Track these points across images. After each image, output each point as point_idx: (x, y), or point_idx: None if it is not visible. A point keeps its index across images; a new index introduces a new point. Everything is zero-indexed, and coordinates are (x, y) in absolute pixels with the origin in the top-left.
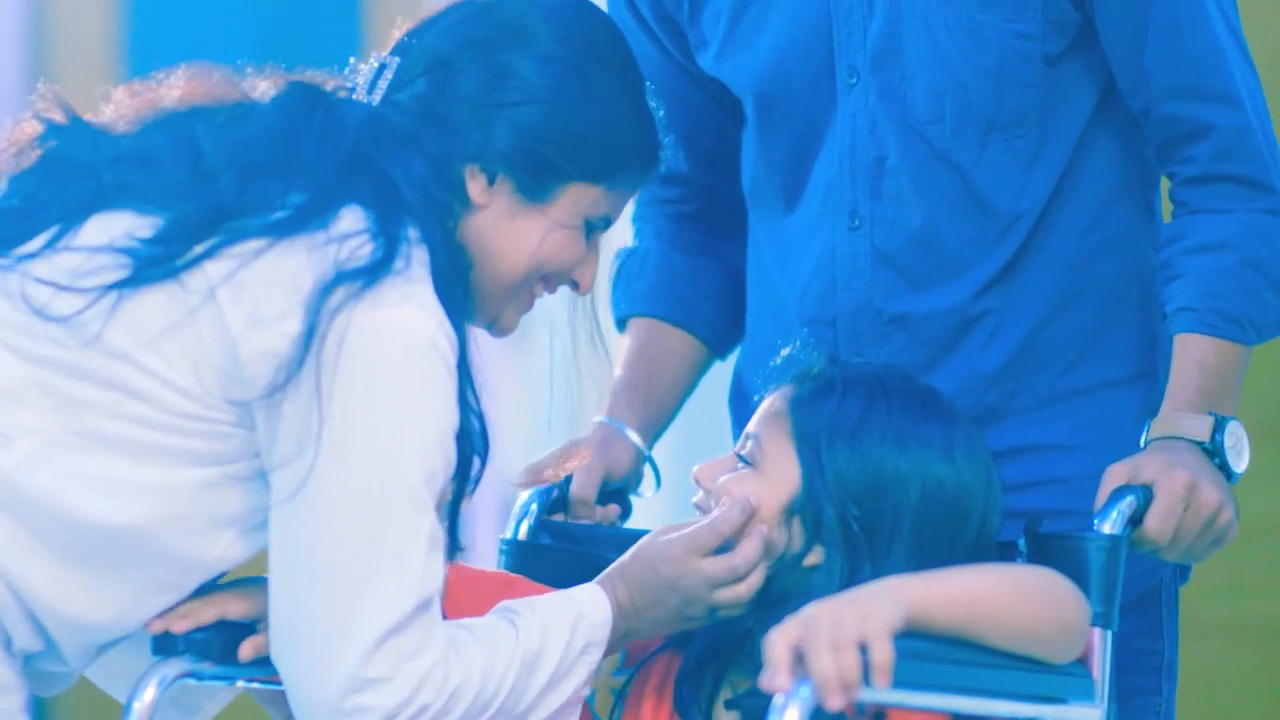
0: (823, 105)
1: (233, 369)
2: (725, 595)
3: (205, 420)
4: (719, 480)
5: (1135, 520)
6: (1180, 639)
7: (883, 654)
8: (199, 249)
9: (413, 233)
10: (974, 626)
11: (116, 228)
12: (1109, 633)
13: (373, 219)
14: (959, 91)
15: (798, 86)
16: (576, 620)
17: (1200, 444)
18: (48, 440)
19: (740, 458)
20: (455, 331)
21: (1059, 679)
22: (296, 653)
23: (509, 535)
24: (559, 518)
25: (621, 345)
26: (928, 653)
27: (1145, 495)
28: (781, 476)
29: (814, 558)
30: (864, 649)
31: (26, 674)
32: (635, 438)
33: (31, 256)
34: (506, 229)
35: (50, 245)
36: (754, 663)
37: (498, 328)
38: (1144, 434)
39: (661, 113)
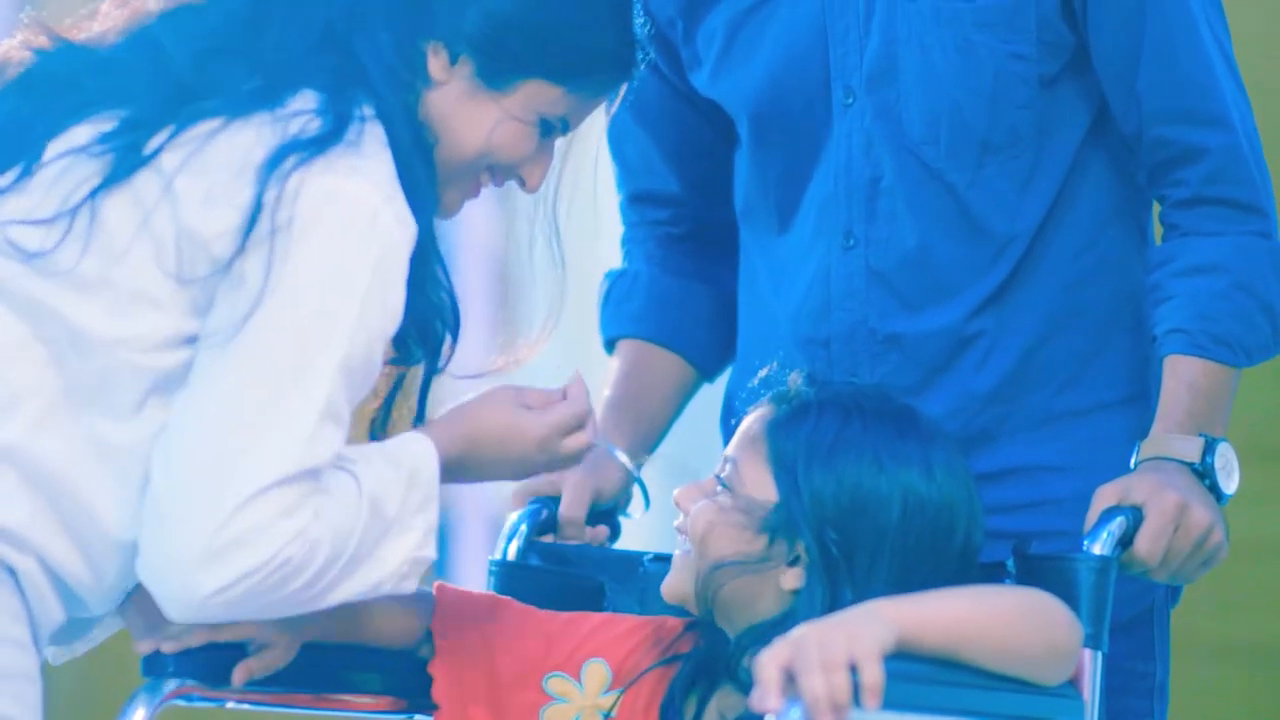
0: (818, 125)
1: (197, 253)
2: (561, 446)
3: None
4: (693, 508)
5: (1125, 541)
6: (1171, 659)
7: (873, 675)
8: (162, 135)
9: (367, 110)
10: (963, 648)
11: (79, 139)
12: (1099, 653)
13: (324, 99)
14: (954, 112)
15: (793, 106)
16: (412, 474)
17: (1190, 465)
18: (51, 400)
19: (719, 480)
20: (423, 207)
21: (1049, 700)
22: (175, 496)
23: (498, 556)
24: (548, 538)
25: (610, 366)
26: (917, 674)
27: (1135, 516)
28: (758, 501)
29: (792, 581)
30: (854, 670)
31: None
32: (624, 458)
33: (4, 191)
34: (460, 110)
35: (24, 176)
36: (741, 683)
37: (440, 210)
38: (1134, 455)
39: (648, 29)
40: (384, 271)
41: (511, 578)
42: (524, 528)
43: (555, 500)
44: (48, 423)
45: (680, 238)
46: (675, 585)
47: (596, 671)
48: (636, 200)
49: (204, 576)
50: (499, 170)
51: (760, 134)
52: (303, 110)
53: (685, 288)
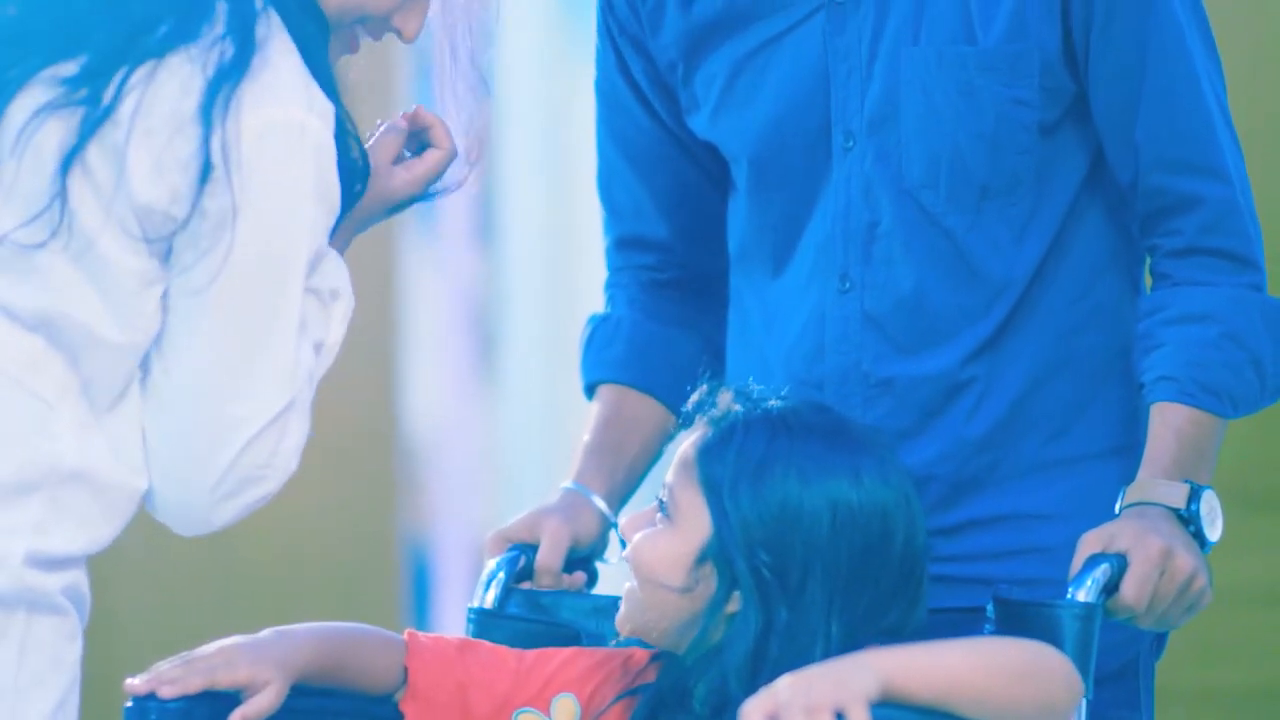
0: (817, 168)
1: (158, 219)
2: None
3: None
4: (634, 539)
5: (1110, 588)
6: (1154, 709)
7: None
8: (116, 78)
9: (258, 3)
10: (952, 701)
11: (39, 98)
12: (1084, 701)
13: (227, 9)
14: (955, 156)
15: (793, 149)
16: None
17: (1175, 511)
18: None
19: (660, 508)
20: (327, 77)
21: None
22: (177, 450)
23: (476, 604)
24: (525, 585)
25: (589, 411)
26: None
27: (1120, 563)
28: (693, 527)
29: (733, 605)
30: (840, 717)
31: None
32: (602, 504)
33: None
34: None
35: None
36: (695, 715)
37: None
38: (1119, 500)
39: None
40: (322, 175)
41: (490, 626)
42: (502, 575)
43: (533, 547)
44: (86, 432)
45: (665, 283)
46: (625, 617)
47: (565, 706)
48: (623, 245)
49: (218, 514)
50: (372, 24)
51: (759, 177)
52: (214, 38)
53: (667, 334)
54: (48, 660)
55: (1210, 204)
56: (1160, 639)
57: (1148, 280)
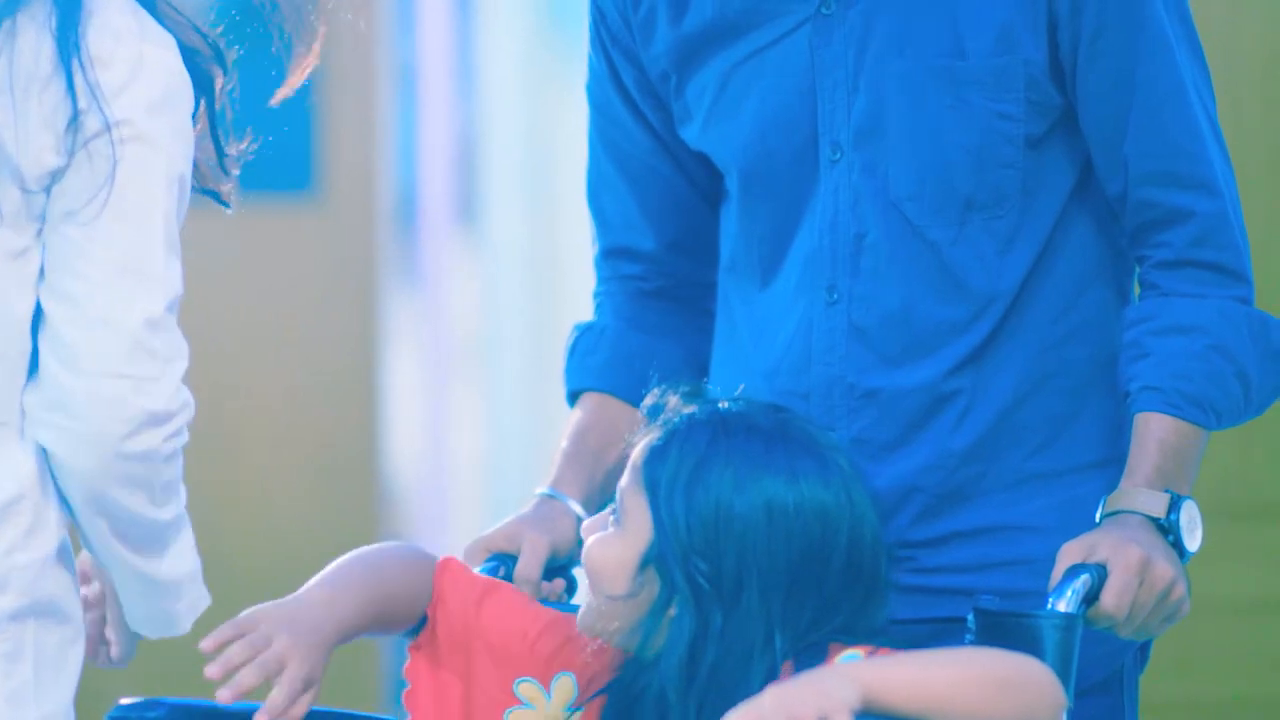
0: (805, 179)
1: (42, 176)
2: None
3: None
4: (587, 542)
5: (1090, 598)
6: None
7: None
8: None
9: None
10: (933, 712)
11: None
12: (1064, 713)
13: None
14: (939, 169)
15: (781, 160)
16: None
17: (1155, 520)
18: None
19: (613, 510)
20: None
21: None
22: (77, 387)
23: None
24: None
25: (570, 419)
26: None
27: (1100, 573)
28: (638, 531)
29: (674, 610)
30: None
31: None
32: (580, 511)
33: None
34: None
35: None
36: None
37: None
38: (1099, 509)
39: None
40: (175, 97)
41: None
42: None
43: (512, 557)
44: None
45: (651, 293)
46: (581, 620)
47: (565, 685)
48: (611, 255)
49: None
50: None
51: (748, 187)
52: None
53: (651, 344)
54: (53, 668)
55: (1200, 217)
56: (1144, 651)
57: (1137, 290)
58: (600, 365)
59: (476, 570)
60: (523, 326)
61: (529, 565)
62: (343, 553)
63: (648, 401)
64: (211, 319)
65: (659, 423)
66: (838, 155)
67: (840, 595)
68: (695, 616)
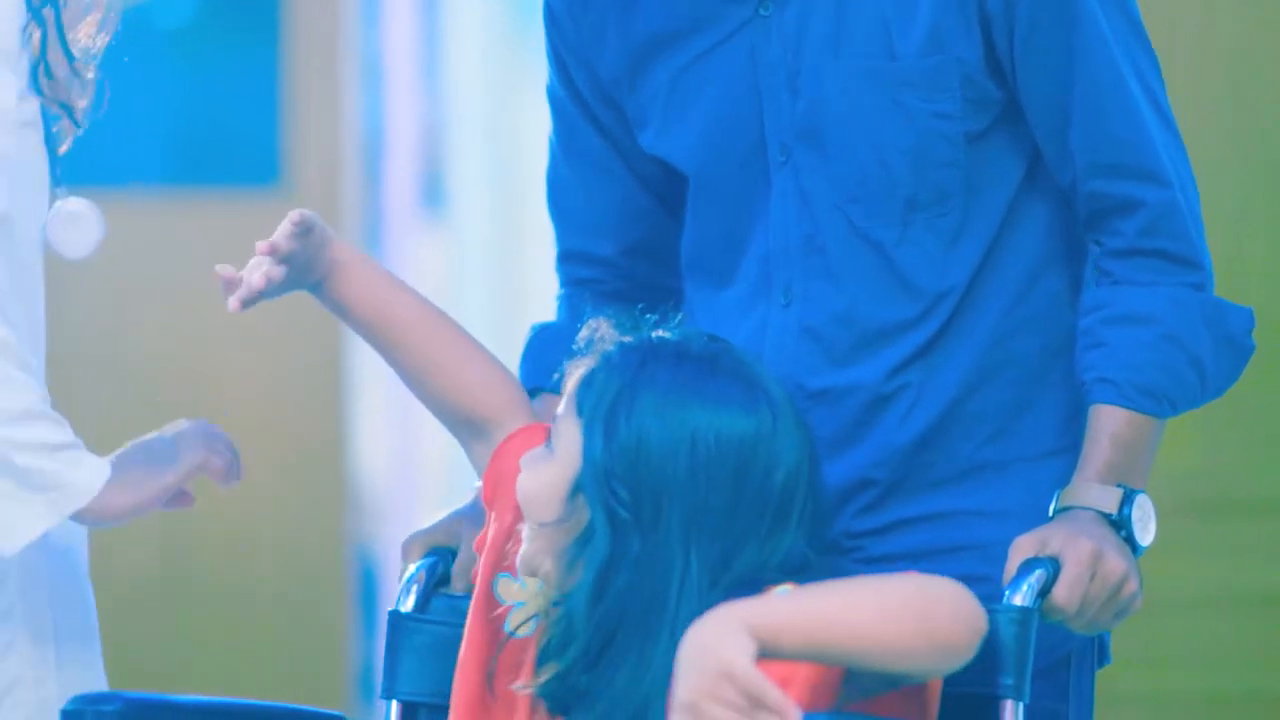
0: (756, 182)
1: None
2: None
3: None
4: (518, 479)
5: (1044, 592)
6: (1098, 711)
7: (771, 694)
8: None
9: None
10: (830, 648)
11: None
12: (1020, 704)
13: None
14: (879, 170)
15: (731, 162)
16: None
17: (1107, 515)
18: None
19: (547, 444)
20: None
21: None
22: None
23: (395, 608)
24: (443, 590)
25: None
26: None
27: (1054, 567)
28: (568, 458)
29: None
30: None
31: None
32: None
33: None
34: None
35: None
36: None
37: None
38: (1053, 503)
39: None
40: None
41: (410, 630)
42: (421, 579)
43: (451, 551)
44: None
45: (610, 296)
46: (519, 556)
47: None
48: (569, 258)
49: None
50: None
51: (701, 191)
52: None
53: None
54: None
55: (1149, 207)
56: (1104, 649)
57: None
58: (552, 365)
59: (413, 565)
60: (488, 318)
61: (467, 559)
62: (311, 548)
63: (583, 335)
64: (178, 312)
65: (593, 352)
66: (784, 156)
67: (760, 526)
68: (611, 542)
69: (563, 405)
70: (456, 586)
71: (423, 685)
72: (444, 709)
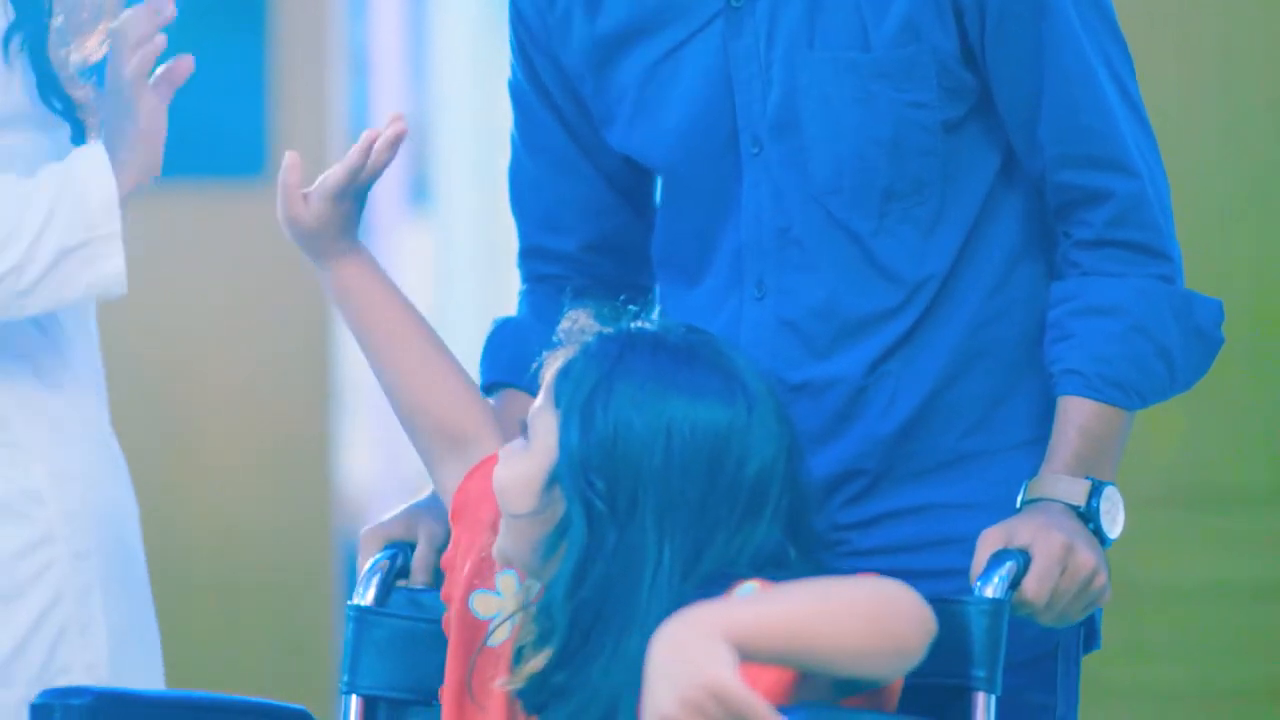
0: (729, 175)
1: None
2: None
3: None
4: (494, 471)
5: (1014, 584)
6: (1083, 702)
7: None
8: None
9: None
10: (800, 653)
11: None
12: (993, 697)
13: None
14: (856, 161)
15: (703, 156)
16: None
17: (1075, 508)
18: None
19: (523, 437)
20: None
21: None
22: None
23: (355, 601)
24: (401, 584)
25: None
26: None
27: (1025, 559)
28: (545, 448)
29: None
30: None
31: None
32: None
33: None
34: None
35: None
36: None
37: None
38: (1020, 495)
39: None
40: None
41: (370, 623)
42: (381, 573)
43: (409, 545)
44: None
45: (573, 292)
46: (497, 547)
47: (508, 583)
48: (532, 254)
49: None
50: None
51: (673, 185)
52: None
53: None
54: None
55: (1118, 198)
56: (1093, 635)
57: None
58: (510, 360)
59: (371, 559)
60: (473, 310)
61: (426, 554)
62: (294, 539)
63: (564, 325)
64: (163, 303)
65: (572, 343)
66: (757, 149)
67: (734, 517)
68: (588, 533)
69: (541, 396)
70: (416, 580)
71: (383, 679)
72: (405, 704)
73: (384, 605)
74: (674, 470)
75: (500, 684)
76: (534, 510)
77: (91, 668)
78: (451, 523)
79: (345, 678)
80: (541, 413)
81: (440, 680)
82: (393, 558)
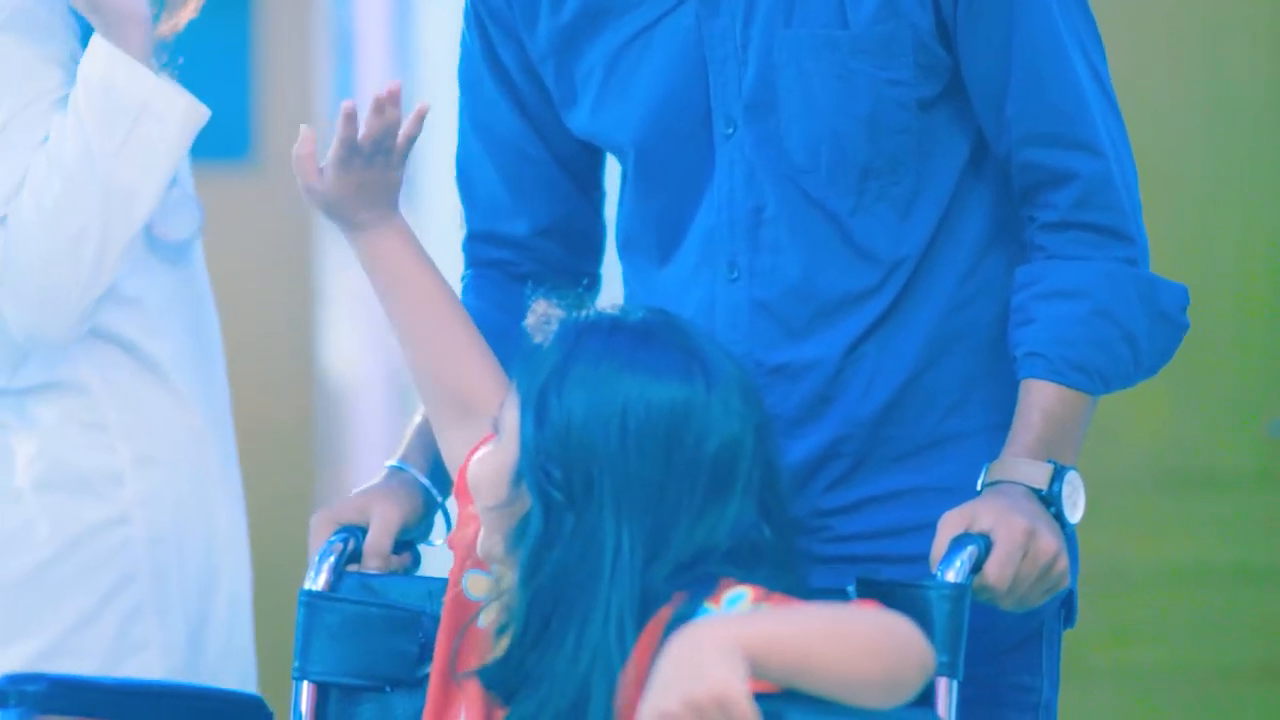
0: (701, 155)
1: None
2: None
3: None
4: (470, 462)
5: (975, 568)
6: (1068, 685)
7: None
8: None
9: None
10: (805, 677)
11: None
12: (955, 682)
13: None
14: (833, 140)
15: (675, 137)
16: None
17: (1037, 491)
18: None
19: (495, 430)
20: None
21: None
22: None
23: (307, 586)
24: (353, 568)
25: None
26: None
27: (985, 544)
28: (512, 441)
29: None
30: None
31: None
32: (427, 484)
33: None
34: None
35: None
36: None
37: None
38: (981, 476)
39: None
40: None
41: (322, 609)
42: (333, 558)
43: (362, 529)
44: None
45: (519, 277)
46: (479, 544)
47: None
48: (479, 239)
49: None
50: None
51: (643, 166)
52: None
53: (511, 325)
54: None
55: (1083, 179)
56: (1070, 612)
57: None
58: None
59: (323, 543)
60: (458, 290)
61: (379, 538)
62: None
63: (529, 321)
64: None
65: (538, 334)
66: (731, 129)
67: (684, 496)
68: (544, 522)
69: (508, 390)
70: (369, 564)
71: (335, 665)
72: (357, 690)
73: (336, 590)
74: (630, 451)
75: (464, 675)
76: (503, 503)
77: (168, 651)
78: (456, 498)
79: (296, 663)
80: (508, 405)
81: (393, 666)
82: (344, 542)
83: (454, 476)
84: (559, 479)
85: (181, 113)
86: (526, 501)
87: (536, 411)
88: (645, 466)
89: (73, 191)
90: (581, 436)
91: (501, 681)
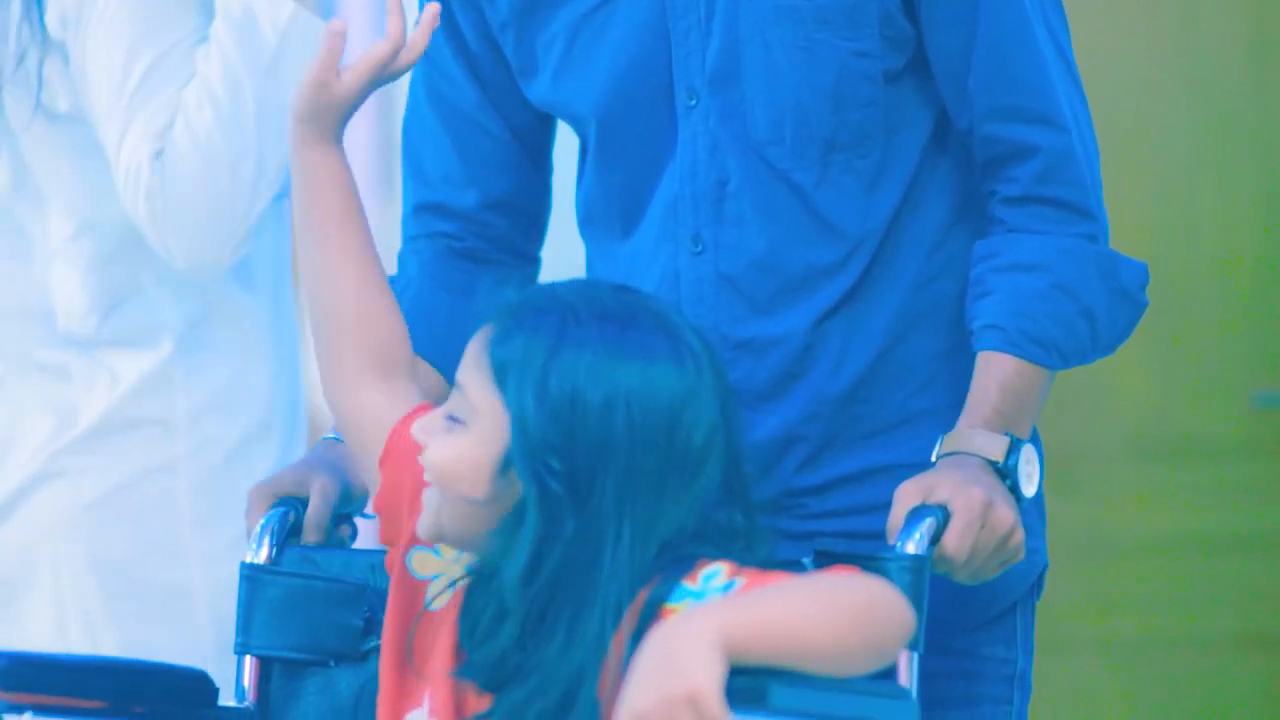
0: (663, 128)
1: None
2: None
3: None
4: (431, 444)
5: (933, 540)
6: (1049, 655)
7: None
8: None
9: None
10: (788, 658)
11: None
12: (915, 654)
13: None
14: (798, 112)
15: (638, 109)
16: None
17: (993, 464)
18: None
19: (451, 415)
20: None
21: (886, 702)
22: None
23: (248, 560)
24: (292, 541)
25: None
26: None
27: (943, 515)
28: (493, 430)
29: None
30: None
31: None
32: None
33: None
34: None
35: None
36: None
37: None
38: (937, 448)
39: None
40: None
41: (264, 582)
42: (273, 531)
43: (302, 501)
44: None
45: (463, 254)
46: (424, 524)
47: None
48: (425, 210)
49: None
50: None
51: (604, 138)
52: None
53: (454, 303)
54: None
55: (1044, 153)
56: (1040, 579)
57: None
58: (414, 327)
59: (263, 516)
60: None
61: (319, 509)
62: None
63: (484, 303)
64: None
65: (499, 309)
66: (694, 101)
67: (680, 485)
68: (545, 520)
69: (470, 373)
70: (309, 538)
71: (277, 639)
72: (299, 664)
73: (277, 564)
74: (635, 440)
75: (452, 674)
76: (488, 497)
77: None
78: (379, 466)
79: (239, 638)
80: (479, 389)
81: (337, 640)
82: (284, 515)
83: (375, 435)
84: (560, 471)
85: (320, 34)
86: (515, 493)
87: (537, 399)
88: (647, 456)
89: (225, 119)
90: (586, 426)
91: (490, 675)
